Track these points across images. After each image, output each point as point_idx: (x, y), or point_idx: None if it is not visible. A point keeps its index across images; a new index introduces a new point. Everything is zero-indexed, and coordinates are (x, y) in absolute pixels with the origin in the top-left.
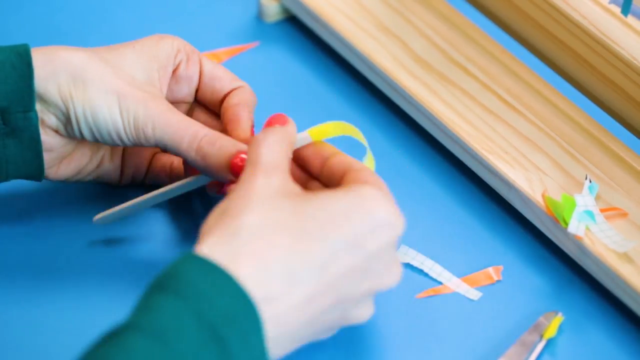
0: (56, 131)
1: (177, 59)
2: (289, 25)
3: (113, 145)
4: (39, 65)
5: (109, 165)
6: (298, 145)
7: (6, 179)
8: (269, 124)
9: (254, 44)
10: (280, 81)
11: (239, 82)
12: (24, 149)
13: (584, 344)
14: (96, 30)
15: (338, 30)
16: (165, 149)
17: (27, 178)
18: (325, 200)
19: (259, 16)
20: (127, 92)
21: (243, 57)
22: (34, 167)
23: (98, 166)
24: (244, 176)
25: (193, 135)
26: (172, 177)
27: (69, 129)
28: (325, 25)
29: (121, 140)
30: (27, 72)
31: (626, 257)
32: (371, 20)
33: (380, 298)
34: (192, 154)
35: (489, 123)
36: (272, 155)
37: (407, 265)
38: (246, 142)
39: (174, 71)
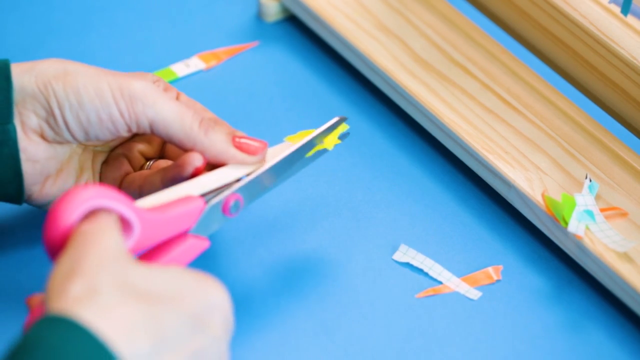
0: (40, 134)
1: (156, 84)
2: (289, 24)
3: (104, 139)
4: (15, 66)
5: None
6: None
7: None
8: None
9: (254, 44)
10: (280, 81)
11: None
12: (2, 166)
13: (584, 344)
14: (96, 30)
15: (338, 30)
16: (160, 127)
17: (5, 200)
18: (172, 273)
19: (259, 16)
20: (115, 73)
21: (243, 56)
22: (13, 188)
23: None
24: (81, 239)
25: (195, 112)
26: (143, 192)
27: (53, 124)
28: (325, 25)
29: (113, 122)
30: (5, 86)
31: (626, 256)
32: (371, 20)
33: (381, 298)
34: (195, 128)
35: (489, 123)
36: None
37: (407, 265)
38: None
39: None
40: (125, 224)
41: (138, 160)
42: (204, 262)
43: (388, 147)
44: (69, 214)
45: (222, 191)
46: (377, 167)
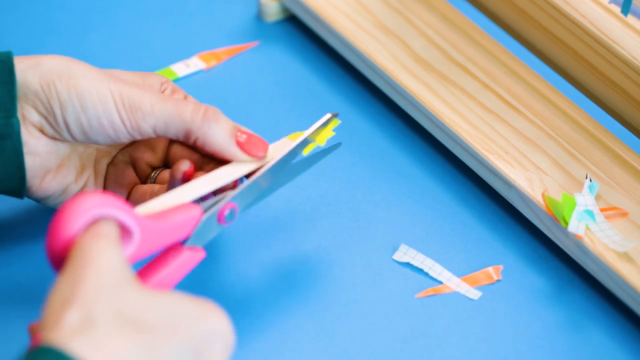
0: (40, 130)
1: (162, 87)
2: (289, 24)
3: (104, 143)
4: (19, 60)
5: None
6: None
7: None
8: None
9: (254, 44)
10: (280, 81)
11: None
12: (5, 160)
13: (584, 344)
14: (96, 30)
15: (338, 30)
16: (163, 129)
17: (7, 193)
18: (171, 300)
19: (259, 16)
20: (117, 79)
21: (243, 56)
22: (16, 181)
23: (82, 190)
24: (80, 258)
25: (195, 106)
26: None
27: (53, 122)
28: (325, 25)
29: (114, 129)
30: (9, 79)
31: (626, 256)
32: (371, 19)
33: (381, 298)
34: (197, 121)
35: (489, 122)
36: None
37: (407, 265)
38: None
39: None
40: (125, 232)
41: (143, 169)
42: (203, 263)
43: (388, 147)
44: (71, 225)
45: (219, 200)
46: (377, 167)
